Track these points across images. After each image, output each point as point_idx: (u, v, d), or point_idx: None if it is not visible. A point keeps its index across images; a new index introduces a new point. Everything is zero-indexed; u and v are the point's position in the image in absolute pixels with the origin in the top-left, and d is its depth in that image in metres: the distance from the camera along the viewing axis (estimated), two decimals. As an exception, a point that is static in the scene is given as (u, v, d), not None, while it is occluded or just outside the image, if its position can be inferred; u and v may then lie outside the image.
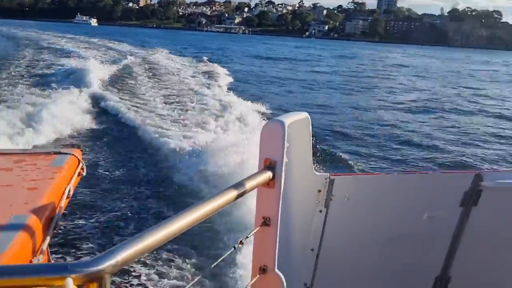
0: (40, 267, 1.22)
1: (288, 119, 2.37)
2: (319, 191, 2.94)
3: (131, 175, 10.50)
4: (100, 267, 1.22)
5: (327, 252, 3.11)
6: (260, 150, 2.29)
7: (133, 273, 6.34)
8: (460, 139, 17.50)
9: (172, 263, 6.68)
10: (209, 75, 30.95)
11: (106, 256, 1.26)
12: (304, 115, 2.63)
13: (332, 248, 3.10)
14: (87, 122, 15.00)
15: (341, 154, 13.51)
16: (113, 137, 13.82)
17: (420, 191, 3.22)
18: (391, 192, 3.14)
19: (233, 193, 1.89)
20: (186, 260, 6.86)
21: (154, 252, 6.72)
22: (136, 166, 11.14)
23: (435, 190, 3.26)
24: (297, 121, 2.52)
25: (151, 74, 29.02)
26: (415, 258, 3.35)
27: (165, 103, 19.19)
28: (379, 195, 3.11)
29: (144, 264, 6.59)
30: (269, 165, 2.24)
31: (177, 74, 30.13)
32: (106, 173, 10.40)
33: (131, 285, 6.16)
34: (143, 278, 6.32)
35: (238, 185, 1.97)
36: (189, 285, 5.35)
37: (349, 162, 12.76)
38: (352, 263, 3.16)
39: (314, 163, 2.87)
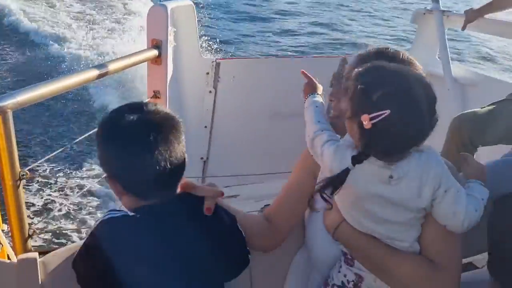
0: None
1: (171, 4, 2.61)
2: (207, 73, 3.25)
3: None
4: (4, 103, 1.48)
5: (219, 128, 3.49)
6: (147, 32, 2.52)
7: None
8: (332, 24, 18.19)
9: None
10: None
11: (9, 95, 1.50)
12: (188, 2, 2.88)
13: (223, 125, 3.48)
14: None
15: (226, 40, 14.08)
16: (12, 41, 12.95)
17: (296, 73, 3.64)
18: (271, 74, 3.51)
19: (122, 63, 2.14)
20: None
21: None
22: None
23: (308, 72, 3.70)
24: (180, 6, 2.76)
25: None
26: (294, 133, 3.84)
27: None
28: (260, 76, 3.46)
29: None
30: (155, 44, 2.50)
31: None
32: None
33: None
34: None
35: (127, 57, 2.24)
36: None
37: (233, 48, 13.41)
38: (241, 137, 3.56)
39: (201, 48, 3.16)
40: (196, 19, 2.91)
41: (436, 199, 1.12)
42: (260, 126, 3.63)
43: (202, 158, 3.56)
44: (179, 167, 1.10)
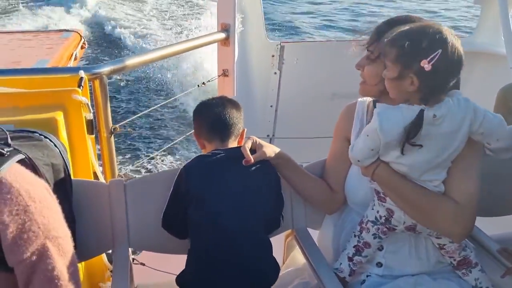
0: (63, 69, 1.85)
1: None
2: (273, 56, 3.47)
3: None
4: (100, 70, 1.83)
5: (284, 107, 3.69)
6: (217, 17, 2.80)
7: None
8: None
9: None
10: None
11: (104, 65, 1.86)
12: None
13: (287, 104, 3.67)
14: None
15: (291, 24, 14.29)
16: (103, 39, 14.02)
17: (354, 56, 3.77)
18: (331, 56, 3.66)
19: (196, 42, 2.46)
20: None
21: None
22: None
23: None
24: None
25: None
26: None
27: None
28: (322, 58, 3.59)
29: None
30: (224, 28, 2.80)
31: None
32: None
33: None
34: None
35: (201, 37, 2.56)
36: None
37: (297, 31, 13.67)
38: (304, 116, 3.75)
39: (267, 32, 3.41)
40: (262, 5, 3.16)
41: (474, 127, 1.29)
42: (321, 106, 3.77)
43: (268, 135, 3.78)
44: (236, 128, 1.57)
